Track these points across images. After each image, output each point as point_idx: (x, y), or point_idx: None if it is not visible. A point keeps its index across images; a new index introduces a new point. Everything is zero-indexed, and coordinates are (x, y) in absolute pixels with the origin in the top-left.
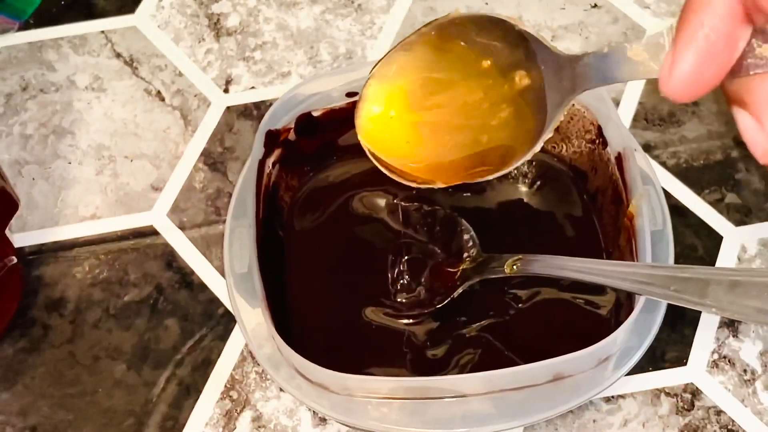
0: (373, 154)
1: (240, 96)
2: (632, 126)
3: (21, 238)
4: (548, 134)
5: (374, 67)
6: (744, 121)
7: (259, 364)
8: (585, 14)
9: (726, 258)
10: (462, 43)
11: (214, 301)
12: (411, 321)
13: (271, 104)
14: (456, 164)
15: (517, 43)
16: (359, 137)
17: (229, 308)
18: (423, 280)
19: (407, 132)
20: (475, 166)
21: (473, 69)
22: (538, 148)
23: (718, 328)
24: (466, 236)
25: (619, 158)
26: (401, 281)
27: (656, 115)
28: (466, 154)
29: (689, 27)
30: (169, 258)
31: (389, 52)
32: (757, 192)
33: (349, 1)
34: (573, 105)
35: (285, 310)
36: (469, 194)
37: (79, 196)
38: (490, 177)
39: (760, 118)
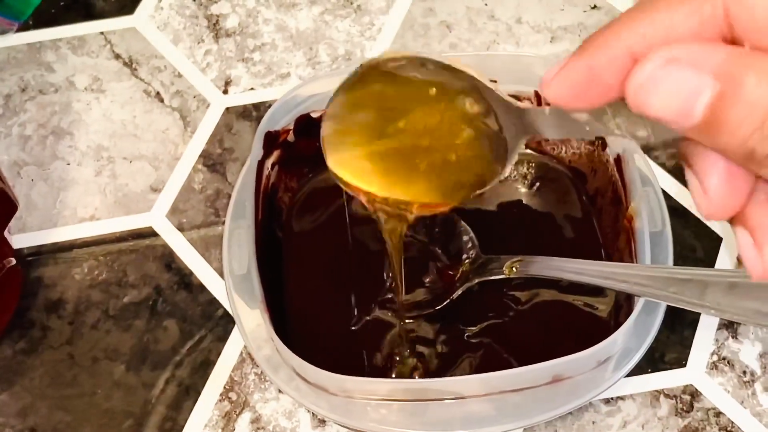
0: (355, 188)
1: (239, 97)
2: None
3: (20, 239)
4: (513, 159)
5: (324, 111)
6: (692, 182)
7: (258, 366)
8: (584, 15)
9: (725, 260)
10: (404, 76)
11: (213, 302)
12: (410, 322)
13: (270, 105)
14: (434, 184)
15: (459, 77)
16: (338, 176)
17: (228, 309)
18: (422, 281)
19: (378, 161)
20: (453, 184)
21: (422, 96)
22: (507, 172)
23: (718, 329)
24: (465, 237)
25: (618, 160)
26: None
27: None
28: (441, 173)
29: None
30: (168, 259)
31: (333, 96)
32: None
33: (348, 2)
34: None
35: (284, 312)
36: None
37: (78, 198)
38: (471, 196)
39: (704, 185)
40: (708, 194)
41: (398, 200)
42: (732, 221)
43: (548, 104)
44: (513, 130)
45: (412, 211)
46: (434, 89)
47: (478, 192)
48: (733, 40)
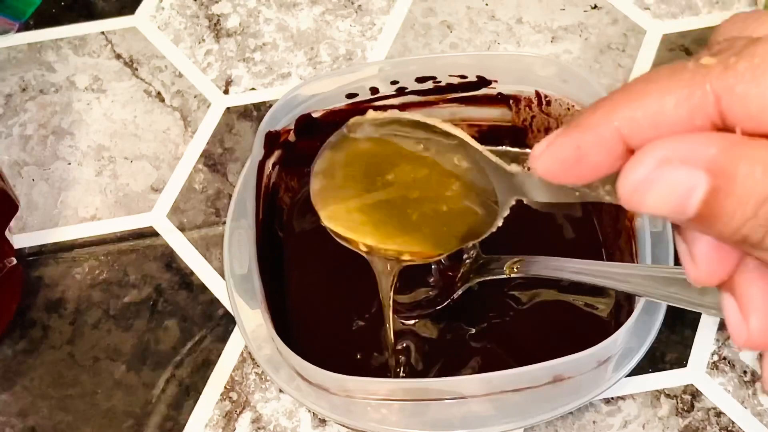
0: (348, 240)
1: (240, 97)
2: None
3: (21, 239)
4: (504, 213)
5: (312, 167)
6: (681, 248)
7: (258, 366)
8: (585, 15)
9: None
10: (391, 134)
11: (214, 302)
12: (411, 322)
13: (271, 105)
14: (428, 235)
15: (446, 135)
16: (332, 229)
17: (229, 309)
18: (423, 281)
19: (371, 214)
20: (446, 235)
21: (410, 151)
22: (499, 223)
23: (718, 329)
24: None
25: None
26: (401, 283)
27: None
28: (434, 224)
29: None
30: (169, 259)
31: (320, 153)
32: None
33: (349, 2)
34: (573, 106)
35: (285, 312)
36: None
37: (79, 197)
38: (465, 245)
39: (692, 253)
40: (696, 261)
41: (392, 250)
42: (720, 287)
43: None
44: (501, 189)
45: (405, 260)
46: (421, 145)
47: (471, 243)
48: (724, 127)
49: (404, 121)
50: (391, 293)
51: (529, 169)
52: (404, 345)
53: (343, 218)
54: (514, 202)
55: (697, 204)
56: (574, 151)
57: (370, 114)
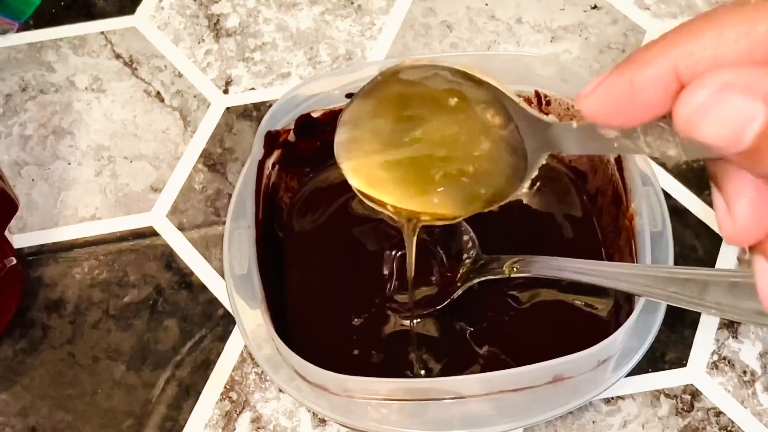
0: (367, 196)
1: (240, 97)
2: None
3: (20, 239)
4: (533, 173)
5: (339, 116)
6: (717, 202)
7: (258, 365)
8: (585, 15)
9: (725, 259)
10: (424, 85)
11: (214, 302)
12: (411, 322)
13: (270, 105)
14: (450, 195)
15: (482, 88)
16: (351, 184)
17: (229, 309)
18: (423, 281)
19: (394, 169)
20: (469, 196)
21: (442, 106)
22: (526, 184)
23: (718, 329)
24: (465, 237)
25: (618, 159)
26: (400, 282)
27: None
28: (457, 184)
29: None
30: (169, 259)
31: (350, 102)
32: None
33: (348, 2)
34: (573, 106)
35: (284, 311)
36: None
37: (79, 197)
38: (487, 209)
39: (729, 204)
40: (734, 217)
41: (410, 211)
42: (752, 249)
43: (573, 119)
44: (534, 145)
45: (423, 221)
46: (455, 99)
47: (495, 206)
48: None
49: (439, 68)
50: (414, 246)
51: (572, 118)
52: (404, 345)
53: (365, 173)
54: (544, 161)
55: (753, 136)
56: (627, 87)
57: (407, 61)
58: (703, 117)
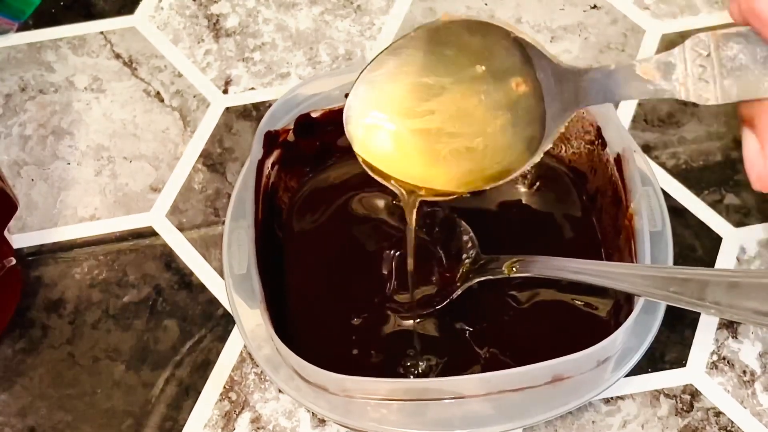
0: (367, 163)
1: (239, 97)
2: (631, 127)
3: (20, 239)
4: (548, 145)
5: (362, 71)
6: (749, 142)
7: (258, 366)
8: (584, 15)
9: (725, 259)
10: (454, 48)
11: (213, 302)
12: (410, 322)
13: (270, 105)
14: (453, 172)
15: (512, 50)
16: (353, 147)
17: (228, 309)
18: (423, 281)
19: (400, 140)
20: (473, 174)
21: (466, 74)
22: (537, 158)
23: (718, 329)
24: (465, 237)
25: (618, 159)
26: (400, 282)
27: (655, 116)
28: (462, 161)
29: None
30: (168, 259)
31: (377, 55)
32: (757, 193)
33: (348, 2)
34: None
35: (284, 311)
36: (468, 195)
37: (78, 197)
38: (489, 186)
39: (764, 143)
40: (767, 156)
41: (411, 185)
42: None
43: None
44: (559, 106)
45: (421, 195)
46: (481, 67)
47: (498, 182)
48: None
49: (476, 26)
50: (414, 222)
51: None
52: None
53: (371, 140)
54: (564, 128)
55: None
56: None
57: (444, 16)
58: None
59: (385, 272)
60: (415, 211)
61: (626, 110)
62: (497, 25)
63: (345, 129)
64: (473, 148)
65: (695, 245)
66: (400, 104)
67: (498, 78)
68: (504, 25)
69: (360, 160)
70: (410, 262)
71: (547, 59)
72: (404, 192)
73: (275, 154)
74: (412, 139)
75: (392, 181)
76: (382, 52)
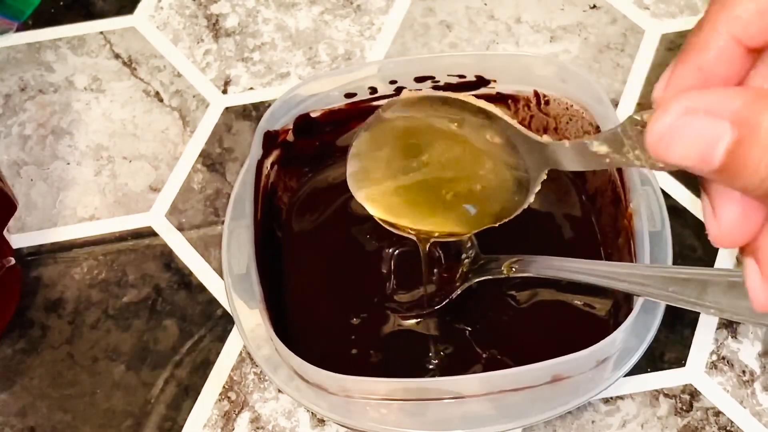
0: (384, 221)
1: (239, 97)
2: None
3: (19, 239)
4: (536, 188)
5: (349, 151)
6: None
7: (257, 366)
8: (584, 15)
9: (725, 259)
10: (427, 113)
11: (213, 302)
12: (410, 322)
13: (269, 105)
14: (461, 214)
15: (479, 113)
16: (369, 211)
17: (228, 309)
18: (422, 281)
19: (407, 195)
20: (478, 214)
21: (445, 132)
22: (531, 199)
23: (717, 329)
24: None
25: None
26: (399, 282)
27: None
28: (466, 203)
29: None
30: (168, 259)
31: (356, 136)
32: None
33: (347, 1)
34: (572, 106)
35: (283, 311)
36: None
37: (78, 197)
38: (498, 223)
39: (716, 212)
40: (719, 221)
41: (426, 231)
42: (742, 250)
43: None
44: (534, 163)
45: (435, 238)
46: (455, 124)
47: (504, 220)
48: None
49: (436, 98)
50: (426, 260)
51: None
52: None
53: (380, 200)
54: (545, 176)
55: (722, 154)
56: (697, 74)
57: (404, 94)
58: (670, 141)
59: (384, 272)
60: (426, 250)
61: (626, 110)
62: (455, 98)
63: (355, 197)
64: (473, 190)
65: (695, 245)
66: (395, 164)
67: (474, 131)
68: (464, 98)
69: (379, 220)
70: (425, 281)
71: (511, 126)
72: (420, 239)
73: (275, 154)
74: (417, 191)
75: (409, 230)
76: (358, 132)
